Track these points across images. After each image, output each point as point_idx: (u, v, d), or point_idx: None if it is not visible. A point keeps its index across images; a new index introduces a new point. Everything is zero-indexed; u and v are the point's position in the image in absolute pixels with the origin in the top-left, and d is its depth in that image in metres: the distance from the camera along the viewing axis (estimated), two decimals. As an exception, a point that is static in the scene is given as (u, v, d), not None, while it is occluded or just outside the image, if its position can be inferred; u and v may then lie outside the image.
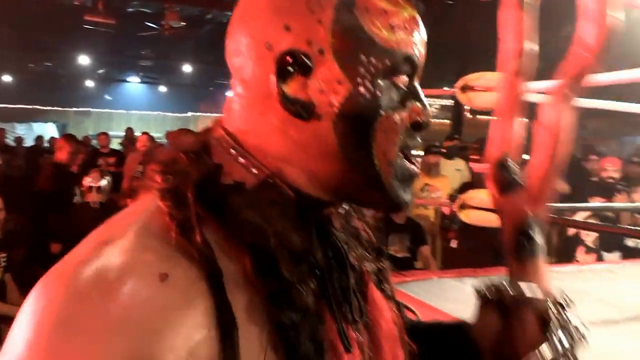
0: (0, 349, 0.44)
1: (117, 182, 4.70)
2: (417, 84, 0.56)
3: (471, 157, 4.71)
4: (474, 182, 3.89)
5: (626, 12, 0.67)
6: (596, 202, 3.98)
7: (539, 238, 0.64)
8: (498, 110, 0.71)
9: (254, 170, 0.52)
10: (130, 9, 11.46)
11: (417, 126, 0.55)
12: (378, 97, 0.52)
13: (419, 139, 0.57)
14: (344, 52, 0.51)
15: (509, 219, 0.66)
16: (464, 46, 9.24)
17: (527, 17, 0.68)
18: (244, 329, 0.45)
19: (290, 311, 0.47)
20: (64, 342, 0.41)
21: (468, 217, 1.90)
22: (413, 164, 0.56)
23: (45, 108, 16.38)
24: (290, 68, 0.51)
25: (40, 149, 8.88)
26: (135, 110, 17.96)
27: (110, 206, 3.69)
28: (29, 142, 10.27)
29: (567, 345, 0.59)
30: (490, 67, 2.06)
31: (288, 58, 0.51)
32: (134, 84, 19.04)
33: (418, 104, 0.55)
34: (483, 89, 1.81)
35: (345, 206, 0.62)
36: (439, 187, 4.51)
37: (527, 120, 0.70)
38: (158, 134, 8.69)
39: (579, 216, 4.10)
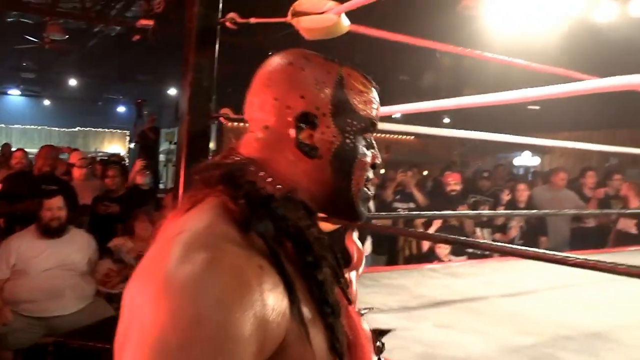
0: None
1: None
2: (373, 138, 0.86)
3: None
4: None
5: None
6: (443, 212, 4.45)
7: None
8: None
9: (279, 187, 0.76)
10: (9, 19, 10.92)
11: (374, 166, 0.85)
12: (357, 146, 0.81)
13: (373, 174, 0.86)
14: (338, 116, 0.80)
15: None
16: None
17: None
18: (299, 291, 0.67)
19: (321, 272, 0.71)
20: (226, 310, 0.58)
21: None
22: (370, 190, 0.84)
23: None
24: (302, 124, 0.78)
25: None
26: (17, 124, 16.93)
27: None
28: None
29: None
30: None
31: (302, 117, 0.78)
32: (14, 97, 17.93)
33: (375, 151, 0.85)
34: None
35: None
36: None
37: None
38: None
39: (434, 226, 4.59)
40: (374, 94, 0.85)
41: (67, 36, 9.90)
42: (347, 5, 2.08)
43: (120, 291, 3.46)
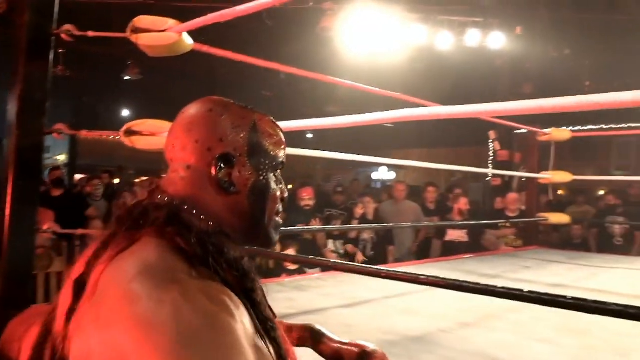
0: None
1: None
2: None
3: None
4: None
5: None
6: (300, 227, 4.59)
7: None
8: None
9: (210, 223, 0.84)
10: None
11: (282, 199, 0.94)
12: (269, 182, 0.91)
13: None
14: (253, 157, 0.89)
15: None
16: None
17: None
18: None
19: (257, 294, 0.79)
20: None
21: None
22: (280, 220, 0.95)
23: None
24: (222, 164, 0.86)
25: None
26: None
27: None
28: None
29: None
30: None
31: (221, 158, 0.86)
32: None
33: (283, 186, 0.94)
34: (147, 134, 2.09)
35: None
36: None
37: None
38: None
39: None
40: (282, 137, 0.95)
41: None
42: (188, 25, 2.11)
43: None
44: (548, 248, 5.49)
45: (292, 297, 2.77)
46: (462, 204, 5.64)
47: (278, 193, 0.93)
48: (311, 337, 1.21)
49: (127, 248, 0.77)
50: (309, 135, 14.91)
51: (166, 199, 0.85)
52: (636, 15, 7.86)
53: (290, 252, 4.36)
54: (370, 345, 1.12)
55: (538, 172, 5.18)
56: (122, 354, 0.63)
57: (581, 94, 1.53)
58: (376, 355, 1.11)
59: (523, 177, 6.21)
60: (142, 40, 2.09)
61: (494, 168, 6.81)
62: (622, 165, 13.41)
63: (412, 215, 5.87)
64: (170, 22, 2.12)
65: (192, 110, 0.91)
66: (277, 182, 0.93)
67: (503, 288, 1.49)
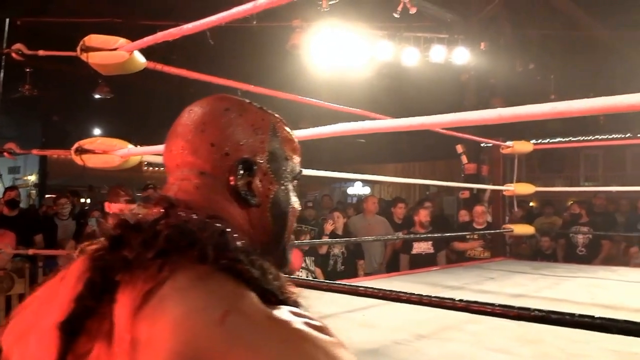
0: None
1: None
2: None
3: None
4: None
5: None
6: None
7: None
8: None
9: (243, 241, 0.68)
10: None
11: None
12: (290, 194, 0.81)
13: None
14: (273, 164, 0.78)
15: None
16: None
17: None
18: None
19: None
20: None
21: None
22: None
23: None
24: (241, 170, 0.74)
25: None
26: None
27: None
28: None
29: None
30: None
31: (241, 164, 0.74)
32: None
33: (297, 200, 0.83)
34: (99, 152, 2.09)
35: None
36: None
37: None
38: None
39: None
40: (297, 143, 0.84)
41: None
42: (138, 43, 2.13)
43: None
44: (515, 259, 5.58)
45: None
46: (422, 216, 5.72)
47: (297, 205, 0.83)
48: None
49: (165, 281, 0.59)
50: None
51: (194, 215, 0.68)
52: (595, 31, 8.12)
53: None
54: None
55: (503, 185, 5.27)
56: None
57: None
58: None
59: (485, 190, 6.32)
60: (93, 59, 2.11)
61: (463, 181, 6.91)
62: (590, 176, 13.71)
63: (382, 229, 5.92)
64: (121, 40, 2.14)
65: (203, 108, 0.78)
66: (295, 193, 0.83)
67: (461, 301, 1.53)
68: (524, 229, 5.27)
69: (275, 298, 0.63)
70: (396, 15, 5.88)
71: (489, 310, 1.38)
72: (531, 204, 9.95)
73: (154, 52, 2.48)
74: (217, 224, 0.67)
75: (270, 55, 7.68)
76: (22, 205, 6.17)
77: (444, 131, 3.92)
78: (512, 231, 5.13)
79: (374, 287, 1.97)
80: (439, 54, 7.01)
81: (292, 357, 0.55)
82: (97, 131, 14.25)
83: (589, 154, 13.61)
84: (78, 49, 2.12)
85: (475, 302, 1.48)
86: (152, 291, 0.58)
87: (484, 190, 6.43)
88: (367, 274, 5.36)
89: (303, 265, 5.07)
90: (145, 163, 10.93)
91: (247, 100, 0.81)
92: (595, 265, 5.62)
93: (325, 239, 5.30)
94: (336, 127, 2.03)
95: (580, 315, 1.22)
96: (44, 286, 0.71)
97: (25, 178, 14.05)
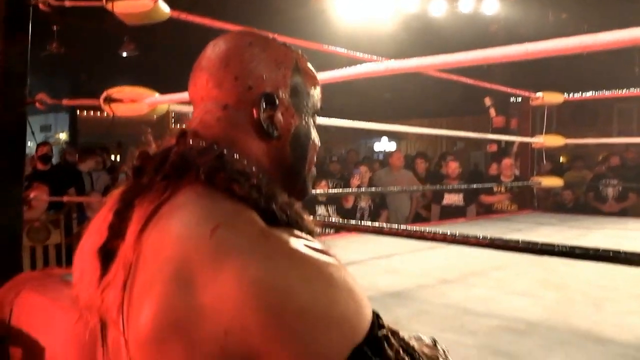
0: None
1: None
2: None
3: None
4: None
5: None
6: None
7: None
8: None
9: (253, 168, 0.72)
10: None
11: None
12: (311, 128, 0.83)
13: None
14: (295, 98, 0.80)
15: None
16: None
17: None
18: None
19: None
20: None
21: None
22: (314, 169, 0.87)
23: None
24: (264, 104, 0.76)
25: None
26: None
27: None
28: None
29: None
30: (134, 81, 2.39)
31: (264, 97, 0.76)
32: None
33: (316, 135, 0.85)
34: (127, 101, 2.13)
35: None
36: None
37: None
38: None
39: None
40: (318, 79, 0.86)
41: None
42: (162, -9, 2.13)
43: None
44: (542, 212, 5.54)
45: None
46: (452, 168, 5.69)
47: (317, 140, 0.85)
48: None
49: (167, 200, 0.66)
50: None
51: (203, 143, 0.73)
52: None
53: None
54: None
55: (532, 137, 5.19)
56: (247, 323, 0.55)
57: (577, 59, 1.49)
58: None
59: (513, 143, 6.23)
60: (118, 8, 2.12)
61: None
62: (624, 130, 13.34)
63: (407, 183, 5.92)
64: (145, -12, 2.14)
65: (227, 43, 0.80)
66: (315, 128, 0.85)
67: (485, 238, 1.55)
68: (552, 182, 5.20)
69: (282, 220, 0.66)
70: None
71: (512, 246, 1.39)
72: (561, 159, 9.75)
73: (178, 3, 2.48)
74: (219, 149, 0.71)
75: (295, 8, 7.57)
76: (54, 161, 6.33)
77: (472, 81, 3.84)
78: (540, 184, 5.08)
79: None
80: (467, 4, 6.82)
81: (276, 272, 0.57)
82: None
83: (623, 107, 13.19)
84: (103, -2, 2.13)
85: (499, 238, 1.50)
86: (155, 210, 0.66)
87: (512, 143, 6.34)
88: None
89: (325, 215, 5.12)
90: (172, 118, 10.98)
91: (271, 36, 0.83)
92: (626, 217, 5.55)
93: (353, 190, 5.33)
94: (361, 68, 2.02)
95: (605, 250, 1.23)
96: (97, 216, 0.78)
97: (57, 136, 14.32)
